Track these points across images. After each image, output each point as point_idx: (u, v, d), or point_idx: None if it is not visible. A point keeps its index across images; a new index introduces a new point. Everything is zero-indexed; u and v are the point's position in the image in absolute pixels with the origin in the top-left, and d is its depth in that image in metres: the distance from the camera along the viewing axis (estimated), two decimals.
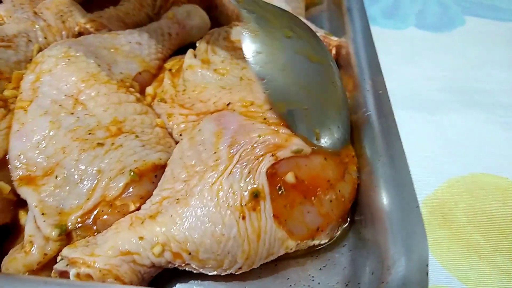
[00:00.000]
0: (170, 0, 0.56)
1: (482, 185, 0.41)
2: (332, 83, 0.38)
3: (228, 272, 0.31)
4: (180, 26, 0.52)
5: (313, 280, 0.33)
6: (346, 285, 0.32)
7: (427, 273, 0.25)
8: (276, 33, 0.37)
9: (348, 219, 0.36)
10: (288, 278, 0.33)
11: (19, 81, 0.42)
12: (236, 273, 0.31)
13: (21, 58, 0.47)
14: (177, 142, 0.39)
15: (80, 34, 0.53)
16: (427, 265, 0.26)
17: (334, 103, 0.37)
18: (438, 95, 0.50)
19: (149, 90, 0.44)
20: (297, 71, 0.36)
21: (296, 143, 0.33)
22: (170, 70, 0.46)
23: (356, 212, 0.35)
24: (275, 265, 0.33)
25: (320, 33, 0.50)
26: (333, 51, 0.50)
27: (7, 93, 0.41)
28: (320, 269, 0.33)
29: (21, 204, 0.34)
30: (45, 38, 0.50)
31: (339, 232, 0.35)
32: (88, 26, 0.51)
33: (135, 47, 0.46)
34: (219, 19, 0.58)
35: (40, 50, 0.49)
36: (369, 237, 0.31)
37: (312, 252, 0.34)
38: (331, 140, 0.34)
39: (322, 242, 0.33)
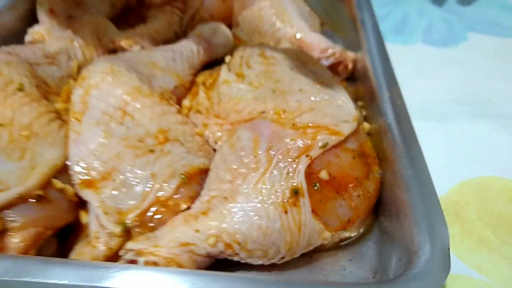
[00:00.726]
0: (195, 19, 0.61)
1: (490, 186, 0.45)
2: None
3: (272, 261, 0.35)
4: (207, 43, 0.57)
5: (344, 269, 0.37)
6: (375, 272, 0.36)
7: (449, 256, 0.29)
8: None
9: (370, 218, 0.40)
10: (323, 268, 0.37)
11: (68, 95, 0.46)
12: (278, 262, 0.35)
13: (63, 74, 0.52)
14: (214, 149, 0.43)
15: (114, 50, 0.57)
16: (449, 249, 0.30)
17: None
18: (448, 106, 0.54)
19: (186, 102, 0.48)
20: None
21: (321, 138, 0.37)
22: (203, 84, 0.50)
23: (380, 209, 0.39)
24: (310, 257, 0.37)
25: (337, 48, 0.55)
26: (350, 65, 0.54)
27: (58, 106, 0.45)
28: (350, 260, 0.37)
29: (81, 205, 0.38)
30: (83, 55, 0.55)
31: (364, 227, 0.39)
32: (123, 43, 0.56)
33: (170, 62, 0.50)
34: (240, 37, 0.63)
35: (79, 66, 0.53)
36: (394, 229, 0.35)
37: (341, 246, 0.38)
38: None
39: (352, 234, 0.37)
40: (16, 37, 0.59)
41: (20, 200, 0.34)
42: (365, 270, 0.36)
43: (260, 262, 0.35)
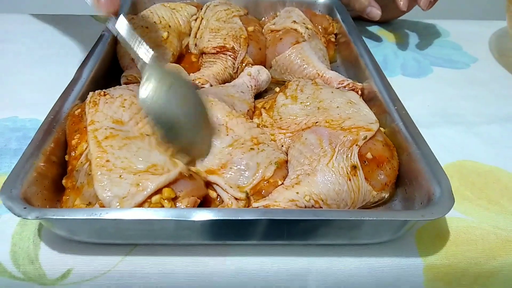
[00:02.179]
0: (243, 63, 0.82)
1: (465, 166, 0.67)
2: None
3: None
4: (255, 80, 0.78)
5: None
6: None
7: (452, 192, 0.50)
8: None
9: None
10: None
11: None
12: None
13: None
14: None
15: None
16: (451, 189, 0.51)
17: None
18: (428, 118, 0.77)
19: (256, 121, 0.68)
20: None
21: (362, 134, 0.58)
22: (264, 108, 0.71)
23: (401, 181, 0.60)
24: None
25: (349, 80, 0.77)
26: (359, 93, 0.76)
27: None
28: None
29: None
30: None
31: (390, 191, 0.60)
32: (196, 81, 0.75)
33: (241, 94, 0.71)
34: (273, 75, 0.84)
35: None
36: (414, 189, 0.56)
37: (379, 204, 0.59)
38: None
39: (386, 195, 0.58)
40: (102, 79, 0.78)
41: (180, 177, 0.52)
42: None
43: None
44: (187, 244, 0.53)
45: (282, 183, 0.56)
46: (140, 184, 0.51)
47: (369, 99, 0.74)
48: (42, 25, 1.04)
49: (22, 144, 0.68)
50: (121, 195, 0.51)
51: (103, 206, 0.51)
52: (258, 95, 0.80)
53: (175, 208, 0.50)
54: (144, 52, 0.59)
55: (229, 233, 0.50)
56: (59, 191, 0.57)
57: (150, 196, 0.51)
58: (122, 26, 0.58)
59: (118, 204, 0.50)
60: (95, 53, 0.77)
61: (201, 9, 0.94)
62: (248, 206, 0.54)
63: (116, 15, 0.58)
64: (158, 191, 0.51)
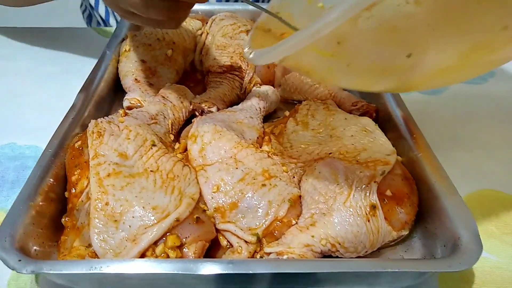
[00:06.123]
0: (252, 82, 0.78)
1: (486, 196, 0.64)
2: None
3: (360, 254, 0.51)
4: (264, 101, 0.74)
5: (403, 258, 0.53)
6: (424, 257, 0.53)
7: (480, 237, 0.47)
8: None
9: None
10: (388, 258, 0.53)
11: (184, 148, 0.62)
12: (363, 255, 0.51)
13: (164, 131, 0.67)
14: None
15: (193, 110, 0.74)
16: (478, 234, 0.47)
17: None
18: (446, 141, 0.73)
19: (266, 148, 0.65)
20: None
21: (380, 169, 0.54)
22: (273, 133, 0.67)
23: (420, 216, 0.56)
24: (379, 251, 0.54)
25: (364, 101, 0.74)
26: (374, 114, 0.73)
27: (179, 156, 0.60)
28: (405, 251, 0.54)
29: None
30: (173, 114, 0.71)
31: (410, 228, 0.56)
32: (202, 105, 0.72)
33: (250, 120, 0.67)
34: (282, 95, 0.81)
35: (172, 123, 0.69)
36: (436, 227, 0.52)
37: (397, 243, 0.55)
38: None
39: (405, 233, 0.54)
40: (104, 101, 0.75)
41: (187, 221, 0.49)
42: (417, 256, 0.53)
43: (352, 256, 0.51)
44: None
45: (296, 222, 0.53)
46: (135, 240, 0.48)
47: (384, 121, 0.70)
48: (43, 40, 1.01)
49: (20, 174, 0.65)
50: (116, 250, 0.48)
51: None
52: (266, 116, 0.76)
53: (181, 259, 0.46)
54: None
55: (239, 283, 0.47)
56: (58, 229, 0.54)
57: (155, 243, 0.47)
58: None
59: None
60: (97, 74, 0.74)
61: (206, 23, 0.90)
62: (259, 250, 0.51)
63: None
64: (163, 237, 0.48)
